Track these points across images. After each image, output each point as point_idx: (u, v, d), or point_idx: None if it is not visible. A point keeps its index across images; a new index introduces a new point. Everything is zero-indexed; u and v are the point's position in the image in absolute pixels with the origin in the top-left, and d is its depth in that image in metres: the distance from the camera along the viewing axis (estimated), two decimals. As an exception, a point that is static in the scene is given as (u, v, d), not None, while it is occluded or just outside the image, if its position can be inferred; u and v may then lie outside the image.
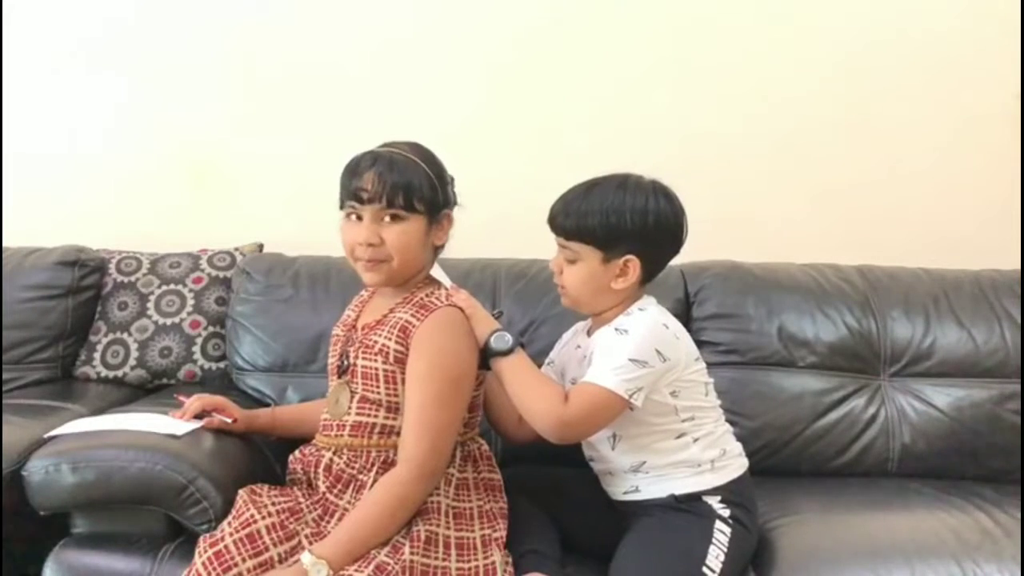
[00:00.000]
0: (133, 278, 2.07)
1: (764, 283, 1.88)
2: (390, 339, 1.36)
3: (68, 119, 2.29)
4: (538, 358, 1.52)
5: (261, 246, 2.18)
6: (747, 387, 1.80)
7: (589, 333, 1.49)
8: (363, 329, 1.42)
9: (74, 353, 2.02)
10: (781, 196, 2.21)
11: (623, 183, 1.40)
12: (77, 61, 2.28)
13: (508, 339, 1.38)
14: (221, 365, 2.00)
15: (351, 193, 1.36)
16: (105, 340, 2.02)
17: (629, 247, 1.39)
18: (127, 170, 2.29)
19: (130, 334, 2.01)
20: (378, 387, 1.37)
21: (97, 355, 2.01)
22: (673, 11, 2.19)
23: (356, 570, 1.24)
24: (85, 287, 2.04)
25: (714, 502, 1.40)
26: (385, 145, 1.40)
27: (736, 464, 1.47)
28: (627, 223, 1.38)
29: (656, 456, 1.42)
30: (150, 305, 2.03)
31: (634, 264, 1.40)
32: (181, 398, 1.59)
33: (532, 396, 1.36)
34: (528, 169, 2.19)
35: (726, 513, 1.39)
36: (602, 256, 1.40)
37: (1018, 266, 1.96)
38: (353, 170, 1.37)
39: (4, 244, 2.10)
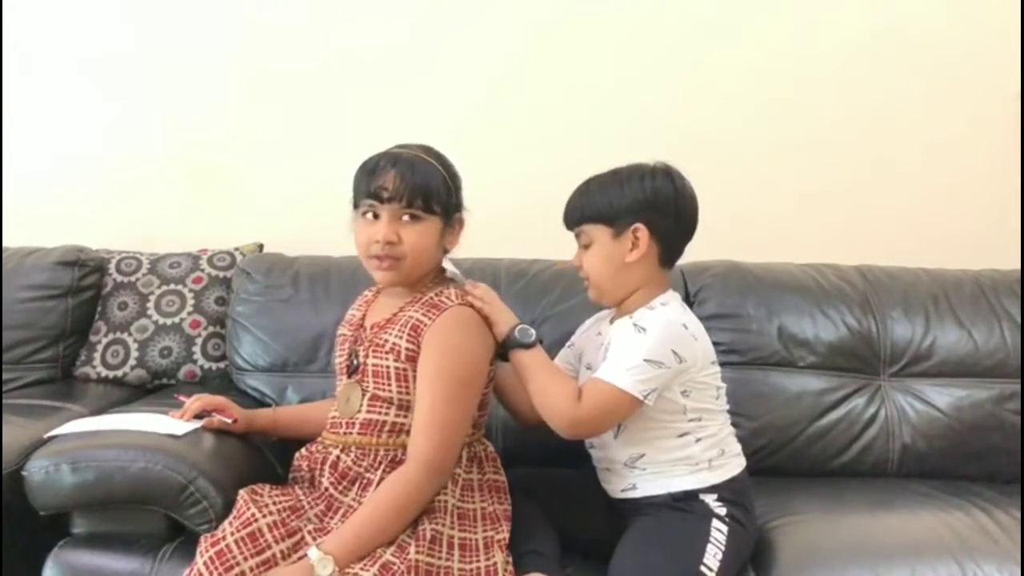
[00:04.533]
0: (133, 278, 2.07)
1: (764, 283, 1.88)
2: (401, 337, 1.37)
3: (68, 119, 2.29)
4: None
5: (261, 246, 2.18)
6: (747, 387, 1.80)
7: (611, 321, 1.50)
8: (372, 328, 1.43)
9: (74, 353, 2.02)
10: (781, 196, 2.21)
11: (617, 169, 1.46)
12: (77, 61, 2.28)
13: (532, 333, 1.42)
14: (221, 365, 2.00)
15: (370, 192, 1.37)
16: (105, 340, 2.02)
17: (634, 217, 1.41)
18: (127, 170, 2.29)
19: (130, 334, 2.01)
20: (389, 385, 1.38)
21: (97, 355, 2.01)
22: (673, 11, 2.19)
23: (362, 568, 1.23)
24: (85, 287, 2.04)
25: (711, 500, 1.41)
26: (400, 147, 1.41)
27: (733, 463, 1.47)
28: (626, 194, 1.42)
29: (656, 452, 1.42)
30: (150, 305, 2.03)
31: (643, 232, 1.41)
32: (181, 398, 1.58)
33: (548, 392, 1.38)
34: (528, 169, 2.19)
35: (723, 512, 1.40)
36: (611, 232, 1.42)
37: (1018, 266, 1.96)
38: (372, 169, 1.38)
39: (4, 244, 2.10)
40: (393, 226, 1.37)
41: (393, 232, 1.36)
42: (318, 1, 2.23)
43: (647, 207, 1.42)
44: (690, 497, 1.41)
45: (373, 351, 1.39)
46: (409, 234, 1.37)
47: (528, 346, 1.41)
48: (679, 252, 1.48)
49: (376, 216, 1.38)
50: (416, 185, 1.36)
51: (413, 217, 1.37)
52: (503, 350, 1.43)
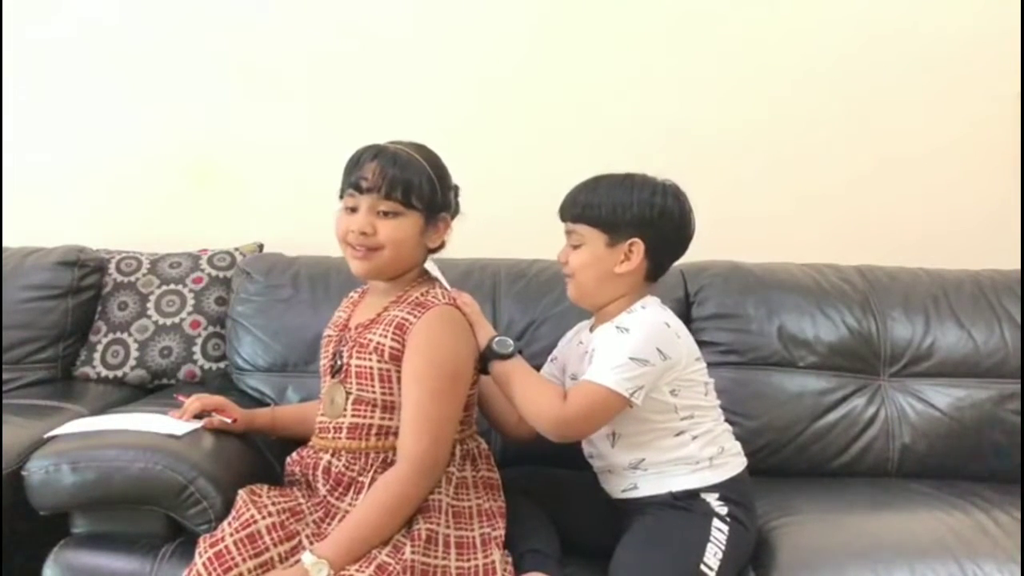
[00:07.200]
0: (133, 278, 2.07)
1: (764, 283, 1.88)
2: (385, 336, 1.36)
3: (68, 119, 2.29)
4: (537, 358, 1.52)
5: (261, 246, 2.18)
6: (747, 387, 1.80)
7: (592, 330, 1.49)
8: (357, 328, 1.42)
9: (74, 353, 2.02)
10: (781, 196, 2.21)
11: (630, 175, 1.44)
12: (77, 60, 2.28)
13: (509, 343, 1.41)
14: (221, 365, 2.00)
15: (351, 182, 1.37)
16: (105, 340, 2.02)
17: (634, 232, 1.41)
18: (127, 170, 2.29)
19: (130, 334, 2.01)
20: (373, 386, 1.37)
21: (97, 355, 2.01)
22: (672, 11, 2.19)
23: (357, 570, 1.23)
24: (85, 287, 2.04)
25: (712, 499, 1.41)
26: (390, 142, 1.41)
27: (734, 462, 1.47)
28: (633, 208, 1.41)
29: (655, 453, 1.42)
30: (150, 305, 2.03)
31: (638, 248, 1.41)
32: (181, 398, 1.58)
33: (531, 397, 1.38)
34: (528, 169, 2.19)
35: (724, 511, 1.40)
36: (607, 240, 1.42)
37: (1018, 266, 1.96)
38: (356, 161, 1.38)
39: (4, 244, 2.10)
40: (369, 217, 1.36)
41: (369, 223, 1.36)
42: (319, 1, 2.23)
43: (649, 225, 1.41)
44: (691, 496, 1.41)
45: (357, 351, 1.39)
46: (385, 227, 1.36)
47: (507, 356, 1.40)
48: (666, 270, 1.49)
49: (355, 207, 1.38)
50: (396, 177, 1.35)
51: (391, 210, 1.36)
52: (482, 363, 1.42)
